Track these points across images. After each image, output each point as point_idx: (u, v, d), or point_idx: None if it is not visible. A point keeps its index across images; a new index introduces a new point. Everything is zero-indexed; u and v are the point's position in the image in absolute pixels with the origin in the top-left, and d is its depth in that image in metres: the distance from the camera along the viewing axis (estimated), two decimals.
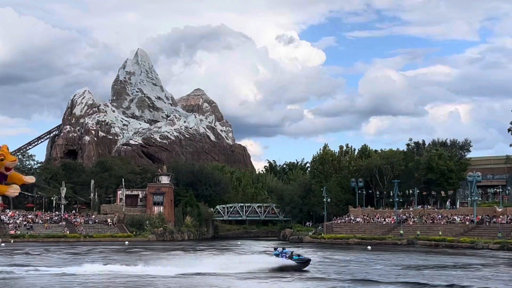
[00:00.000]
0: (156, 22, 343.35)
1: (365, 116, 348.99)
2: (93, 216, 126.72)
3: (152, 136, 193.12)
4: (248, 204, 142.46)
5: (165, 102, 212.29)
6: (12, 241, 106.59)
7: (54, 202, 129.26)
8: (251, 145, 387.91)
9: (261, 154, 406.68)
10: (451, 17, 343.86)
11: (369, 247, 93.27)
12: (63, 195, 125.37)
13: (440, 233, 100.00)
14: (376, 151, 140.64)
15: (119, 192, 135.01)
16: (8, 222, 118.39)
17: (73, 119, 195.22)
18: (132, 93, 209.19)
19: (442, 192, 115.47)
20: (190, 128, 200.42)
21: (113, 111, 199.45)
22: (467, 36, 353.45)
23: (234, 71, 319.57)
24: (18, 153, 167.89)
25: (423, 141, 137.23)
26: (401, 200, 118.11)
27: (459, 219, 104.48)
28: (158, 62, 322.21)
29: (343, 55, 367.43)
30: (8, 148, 16.70)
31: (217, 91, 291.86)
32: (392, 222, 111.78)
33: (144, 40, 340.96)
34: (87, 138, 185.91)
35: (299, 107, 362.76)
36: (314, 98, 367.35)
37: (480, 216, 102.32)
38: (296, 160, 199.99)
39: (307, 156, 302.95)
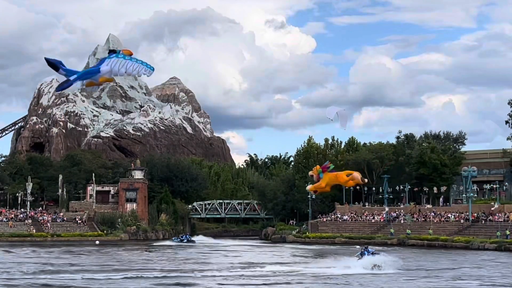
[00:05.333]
0: (137, 6, 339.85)
1: (357, 106, 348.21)
2: (61, 214, 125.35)
3: (124, 128, 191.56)
4: (228, 201, 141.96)
5: (138, 92, 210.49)
6: None
7: (20, 198, 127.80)
8: (234, 137, 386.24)
9: (244, 147, 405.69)
10: (447, 2, 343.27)
11: (357, 247, 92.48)
12: (29, 191, 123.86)
13: (431, 231, 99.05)
14: (364, 144, 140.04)
15: (89, 188, 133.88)
16: None
17: (40, 109, 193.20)
18: None
19: (435, 188, 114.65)
20: (165, 120, 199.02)
21: (83, 101, 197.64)
22: (464, 23, 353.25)
23: (218, 58, 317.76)
24: None
25: (411, 134, 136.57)
26: (391, 196, 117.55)
27: (453, 217, 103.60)
28: (140, 48, 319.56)
29: (332, 42, 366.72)
30: None
31: (200, 79, 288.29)
32: (382, 220, 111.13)
33: (124, 24, 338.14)
34: (54, 130, 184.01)
35: (287, 97, 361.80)
36: (304, 88, 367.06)
37: (476, 214, 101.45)
38: (280, 153, 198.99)
39: (294, 149, 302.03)
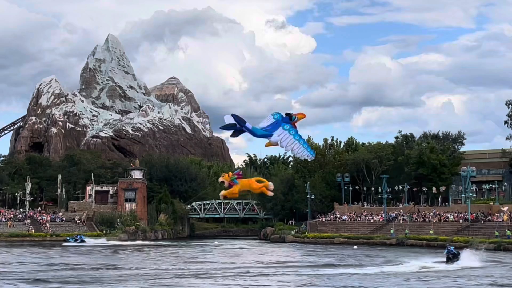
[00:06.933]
0: (137, 6, 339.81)
1: (357, 106, 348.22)
2: (60, 214, 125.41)
3: (123, 128, 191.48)
4: (227, 201, 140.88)
5: (137, 92, 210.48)
6: None
7: (19, 198, 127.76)
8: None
9: (243, 147, 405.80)
10: (446, 2, 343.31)
11: (355, 247, 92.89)
12: (28, 191, 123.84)
13: (431, 232, 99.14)
14: (363, 144, 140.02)
15: (88, 188, 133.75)
16: None
17: (39, 109, 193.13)
18: (102, 82, 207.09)
19: (434, 188, 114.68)
20: (165, 119, 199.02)
21: (82, 101, 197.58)
22: (463, 23, 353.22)
23: (218, 58, 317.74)
24: None
25: (411, 134, 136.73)
26: (390, 196, 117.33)
27: (452, 217, 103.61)
28: (140, 48, 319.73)
29: (332, 42, 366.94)
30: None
31: (200, 79, 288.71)
32: (381, 220, 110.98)
33: (124, 24, 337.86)
34: (53, 130, 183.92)
35: (287, 97, 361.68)
36: (304, 88, 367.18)
37: (475, 214, 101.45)
38: (279, 154, 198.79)
39: None
